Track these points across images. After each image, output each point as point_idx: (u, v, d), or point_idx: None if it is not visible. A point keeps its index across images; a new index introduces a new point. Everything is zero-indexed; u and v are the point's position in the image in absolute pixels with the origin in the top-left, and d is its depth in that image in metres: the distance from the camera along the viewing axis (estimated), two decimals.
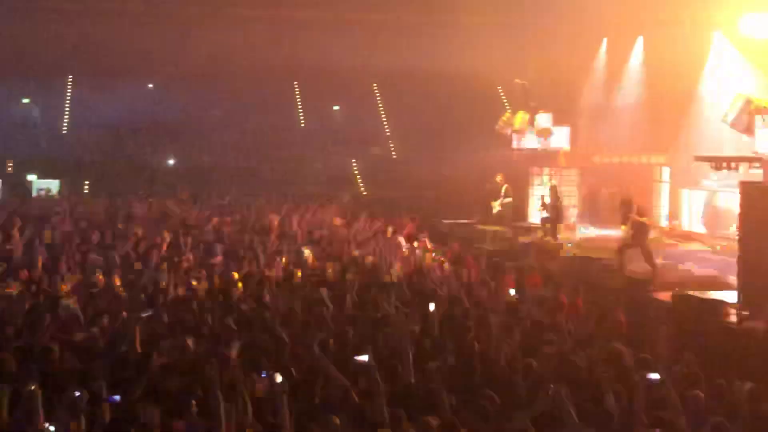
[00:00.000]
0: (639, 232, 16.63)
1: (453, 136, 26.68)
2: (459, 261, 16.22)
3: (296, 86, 31.69)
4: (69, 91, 30.46)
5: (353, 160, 29.53)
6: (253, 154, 29.22)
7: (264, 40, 27.29)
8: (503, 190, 22.09)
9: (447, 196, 24.86)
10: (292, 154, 28.93)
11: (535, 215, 22.47)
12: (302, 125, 31.39)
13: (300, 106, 31.77)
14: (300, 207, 20.88)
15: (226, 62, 28.29)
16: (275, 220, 18.65)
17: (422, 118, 28.68)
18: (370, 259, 15.28)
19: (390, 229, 18.75)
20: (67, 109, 30.18)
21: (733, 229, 19.58)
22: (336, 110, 31.79)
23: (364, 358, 7.85)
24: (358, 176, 29.36)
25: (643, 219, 16.92)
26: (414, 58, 27.78)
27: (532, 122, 23.50)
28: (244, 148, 29.56)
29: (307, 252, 15.65)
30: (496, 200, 22.15)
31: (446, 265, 15.30)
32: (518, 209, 22.74)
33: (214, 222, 18.58)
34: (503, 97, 28.92)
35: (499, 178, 22.29)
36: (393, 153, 30.34)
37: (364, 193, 28.33)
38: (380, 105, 31.43)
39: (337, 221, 20.00)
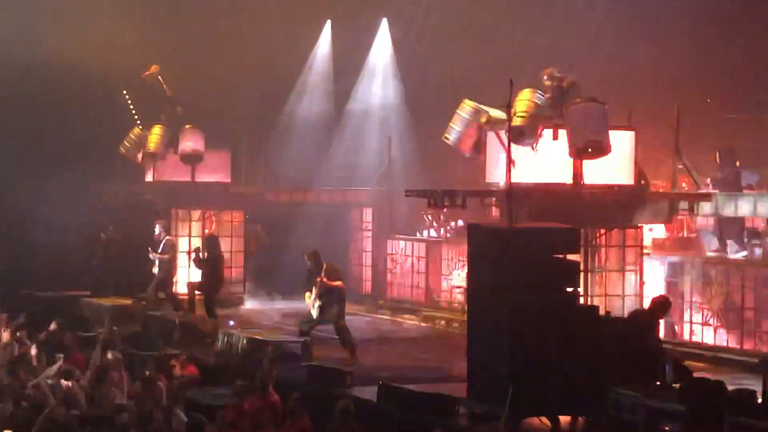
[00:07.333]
0: (330, 303, 17.27)
1: (51, 162, 26.09)
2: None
3: None
4: None
5: None
6: None
7: None
8: (162, 245, 22.12)
9: (43, 257, 24.42)
10: None
11: (182, 282, 22.61)
12: None
13: None
14: None
15: None
16: None
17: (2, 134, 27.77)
18: None
19: None
20: None
21: (459, 296, 20.87)
22: None
23: None
24: None
25: (336, 284, 17.55)
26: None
27: (174, 142, 23.62)
28: None
29: None
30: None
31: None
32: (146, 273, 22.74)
33: None
34: (131, 106, 28.81)
35: (157, 228, 22.38)
36: None
37: None
38: None
39: None
